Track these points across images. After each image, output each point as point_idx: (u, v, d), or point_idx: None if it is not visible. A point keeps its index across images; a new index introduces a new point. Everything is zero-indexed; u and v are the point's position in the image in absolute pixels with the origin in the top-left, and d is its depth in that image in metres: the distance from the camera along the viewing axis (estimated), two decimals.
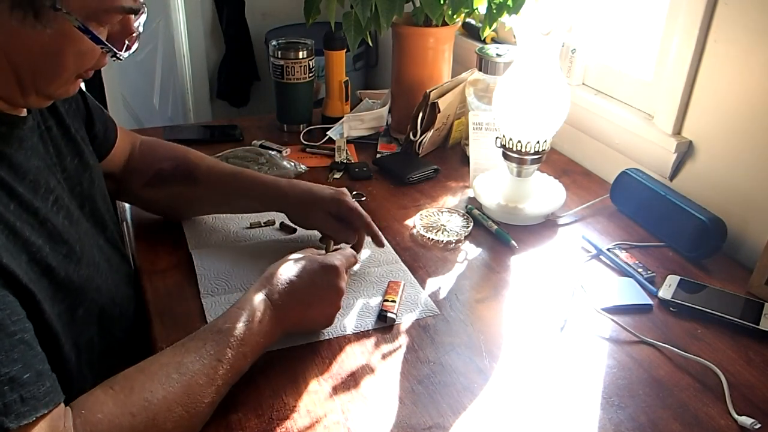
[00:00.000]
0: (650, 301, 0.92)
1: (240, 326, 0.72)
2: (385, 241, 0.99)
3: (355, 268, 0.97)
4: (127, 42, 0.70)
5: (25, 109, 0.73)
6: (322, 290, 0.80)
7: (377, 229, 0.97)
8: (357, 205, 0.96)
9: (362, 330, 0.85)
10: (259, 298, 0.76)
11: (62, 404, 0.59)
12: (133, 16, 0.69)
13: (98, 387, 0.63)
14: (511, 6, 1.20)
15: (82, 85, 0.78)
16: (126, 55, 0.70)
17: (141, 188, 1.01)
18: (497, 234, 1.07)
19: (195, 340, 0.70)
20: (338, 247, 0.94)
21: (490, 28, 1.25)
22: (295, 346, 0.81)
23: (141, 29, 0.71)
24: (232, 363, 0.70)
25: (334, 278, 0.80)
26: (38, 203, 0.70)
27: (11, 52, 0.64)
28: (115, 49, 0.68)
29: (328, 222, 0.97)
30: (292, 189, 0.98)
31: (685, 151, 1.13)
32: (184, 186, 1.01)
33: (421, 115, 1.29)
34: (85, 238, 0.79)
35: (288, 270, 0.80)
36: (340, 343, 0.83)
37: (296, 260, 0.81)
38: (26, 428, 0.55)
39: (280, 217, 1.07)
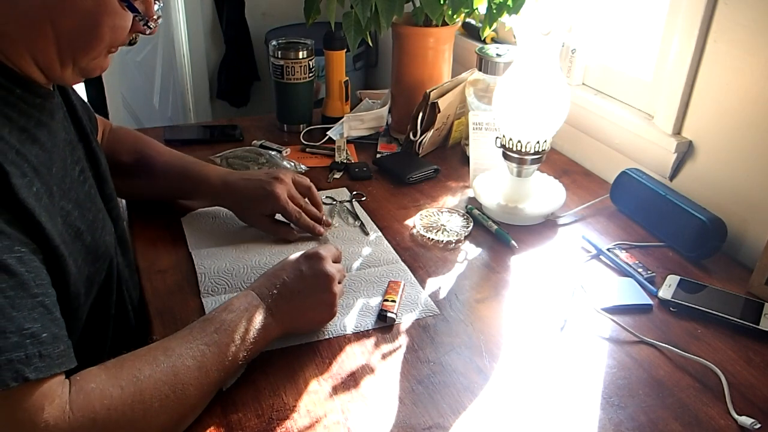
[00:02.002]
0: (650, 301, 0.92)
1: (226, 315, 0.74)
2: (385, 241, 0.99)
3: (355, 266, 0.97)
4: (152, 22, 0.75)
5: (51, 86, 0.75)
6: (310, 278, 0.80)
7: (307, 221, 1.02)
8: (287, 203, 1.00)
9: (362, 330, 0.85)
10: (248, 296, 0.78)
11: (64, 374, 0.62)
12: None
13: (94, 366, 0.66)
14: (511, 6, 1.20)
15: (82, 86, 0.79)
16: (153, 26, 0.74)
17: None
18: (497, 234, 1.07)
19: (183, 330, 0.73)
20: None
21: (490, 28, 1.25)
22: (295, 345, 0.81)
23: (160, 12, 0.75)
24: (220, 347, 0.71)
25: (317, 263, 0.81)
26: (67, 170, 0.74)
27: (57, 19, 0.66)
28: (146, 18, 0.73)
29: (263, 223, 1.03)
30: (228, 189, 1.03)
31: (685, 151, 1.13)
32: (141, 180, 1.06)
33: (421, 115, 1.29)
34: (103, 213, 0.83)
35: (273, 270, 0.83)
36: (340, 343, 0.83)
37: (280, 261, 0.84)
38: (40, 383, 0.58)
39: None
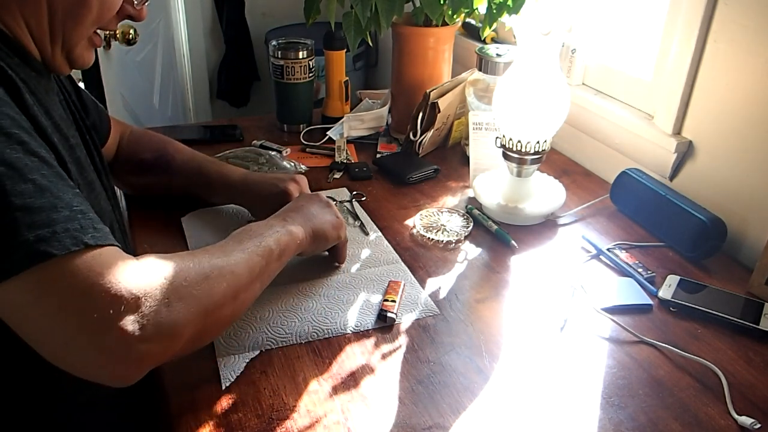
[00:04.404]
0: (650, 301, 0.92)
1: (248, 226, 0.80)
2: (385, 241, 0.99)
3: (355, 266, 0.97)
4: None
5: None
6: (302, 198, 0.93)
7: None
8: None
9: (362, 330, 0.85)
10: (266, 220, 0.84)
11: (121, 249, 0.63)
12: None
13: None
14: (511, 6, 1.20)
15: (81, 85, 0.80)
16: (139, 5, 0.77)
17: (123, 174, 1.09)
18: (497, 234, 1.07)
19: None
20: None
21: (490, 28, 1.25)
22: (295, 345, 0.82)
23: None
24: (253, 239, 0.76)
25: (300, 190, 0.97)
26: (65, 134, 0.74)
27: None
28: None
29: None
30: (246, 187, 1.06)
31: (685, 151, 1.13)
32: (160, 176, 1.09)
33: (421, 115, 1.29)
34: (97, 181, 0.83)
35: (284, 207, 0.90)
36: (340, 343, 0.83)
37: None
38: (100, 248, 0.58)
39: None
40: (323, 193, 0.97)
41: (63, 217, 0.57)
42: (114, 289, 0.56)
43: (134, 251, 1.00)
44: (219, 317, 0.67)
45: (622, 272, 0.99)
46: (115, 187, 1.15)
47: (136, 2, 0.77)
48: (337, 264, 0.97)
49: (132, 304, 0.57)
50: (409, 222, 1.11)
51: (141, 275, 0.59)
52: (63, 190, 0.59)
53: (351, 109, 1.49)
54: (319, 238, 0.88)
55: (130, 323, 0.56)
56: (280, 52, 1.39)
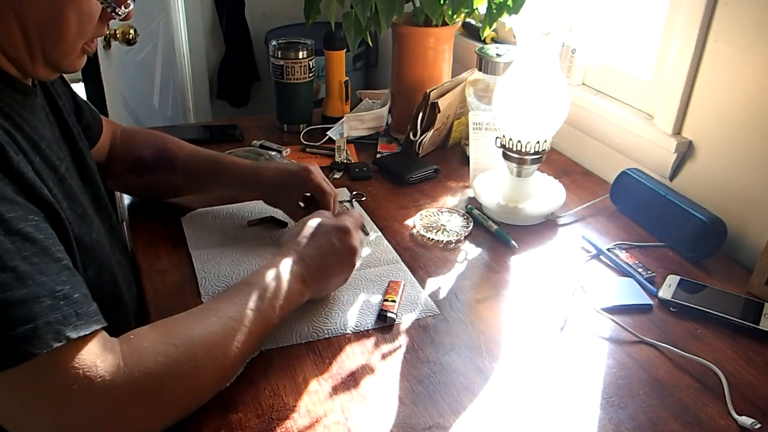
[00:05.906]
0: (650, 301, 0.92)
1: (269, 281, 0.77)
2: (385, 241, 0.99)
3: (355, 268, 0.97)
4: (122, 7, 0.74)
5: (31, 82, 0.75)
6: (340, 252, 0.85)
7: (336, 204, 1.02)
8: (321, 182, 1.01)
9: (362, 330, 0.85)
10: (287, 260, 0.81)
11: (104, 331, 0.62)
12: None
13: (143, 327, 0.67)
14: (511, 6, 1.20)
15: (81, 86, 0.79)
16: (122, 12, 0.74)
17: (122, 174, 1.06)
18: (497, 234, 1.07)
19: (228, 292, 0.75)
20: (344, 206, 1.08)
21: (490, 28, 1.25)
22: (295, 345, 0.82)
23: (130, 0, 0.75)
24: (261, 313, 0.74)
25: (348, 239, 0.86)
26: (56, 163, 0.73)
27: (19, 8, 0.66)
28: (114, 5, 0.72)
29: (292, 206, 1.03)
30: (261, 174, 1.04)
31: (685, 151, 1.13)
32: (163, 174, 1.06)
33: (421, 115, 1.29)
34: (91, 210, 0.82)
35: (310, 235, 0.85)
36: (340, 343, 0.83)
37: (314, 225, 0.86)
38: (84, 341, 0.58)
39: (272, 212, 1.09)
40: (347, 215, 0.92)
41: (45, 307, 0.56)
42: (96, 385, 0.57)
43: (134, 254, 1.00)
44: (202, 393, 0.69)
45: (622, 272, 0.99)
46: (115, 190, 1.15)
47: (118, 9, 0.73)
48: None
49: (116, 397, 0.58)
50: (409, 222, 1.11)
51: (124, 366, 0.60)
52: (46, 272, 0.58)
53: (351, 109, 1.49)
54: (323, 288, 0.86)
55: (112, 417, 0.58)
56: (280, 52, 1.39)
